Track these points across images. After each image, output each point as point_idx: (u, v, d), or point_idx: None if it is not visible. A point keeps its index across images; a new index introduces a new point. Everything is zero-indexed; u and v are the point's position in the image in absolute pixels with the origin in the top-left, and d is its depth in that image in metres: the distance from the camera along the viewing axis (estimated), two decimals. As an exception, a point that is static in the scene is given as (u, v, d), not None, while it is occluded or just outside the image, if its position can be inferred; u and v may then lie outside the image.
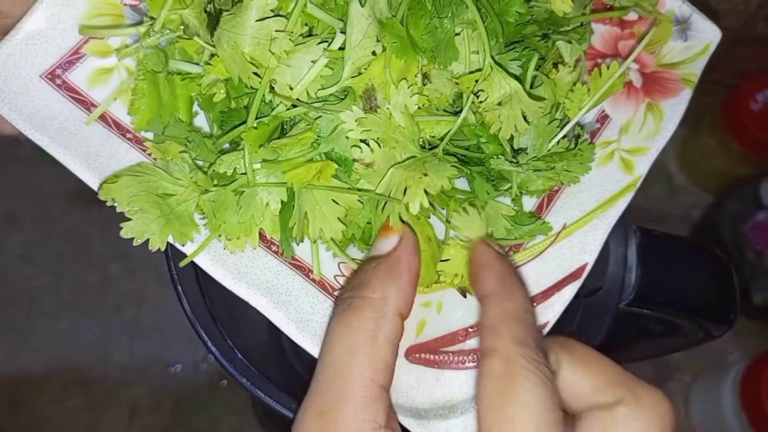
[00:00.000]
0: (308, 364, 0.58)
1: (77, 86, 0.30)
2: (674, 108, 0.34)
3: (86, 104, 0.30)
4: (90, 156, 0.29)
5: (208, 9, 0.28)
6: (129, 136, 0.30)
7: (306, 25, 0.28)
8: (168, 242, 0.28)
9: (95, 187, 0.28)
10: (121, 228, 0.27)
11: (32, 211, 0.69)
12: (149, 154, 0.30)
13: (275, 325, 0.29)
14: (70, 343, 0.65)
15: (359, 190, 0.28)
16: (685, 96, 0.34)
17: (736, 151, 0.73)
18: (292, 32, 0.27)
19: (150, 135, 0.30)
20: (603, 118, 0.34)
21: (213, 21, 0.28)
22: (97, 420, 0.63)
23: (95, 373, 0.64)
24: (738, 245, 0.70)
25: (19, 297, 0.66)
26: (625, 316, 0.34)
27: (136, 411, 0.63)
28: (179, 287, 0.30)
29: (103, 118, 0.30)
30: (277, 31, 0.27)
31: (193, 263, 0.28)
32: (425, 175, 0.27)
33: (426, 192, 0.27)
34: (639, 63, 0.34)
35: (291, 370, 0.53)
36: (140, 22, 0.30)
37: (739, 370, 0.66)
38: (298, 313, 0.29)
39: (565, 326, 0.34)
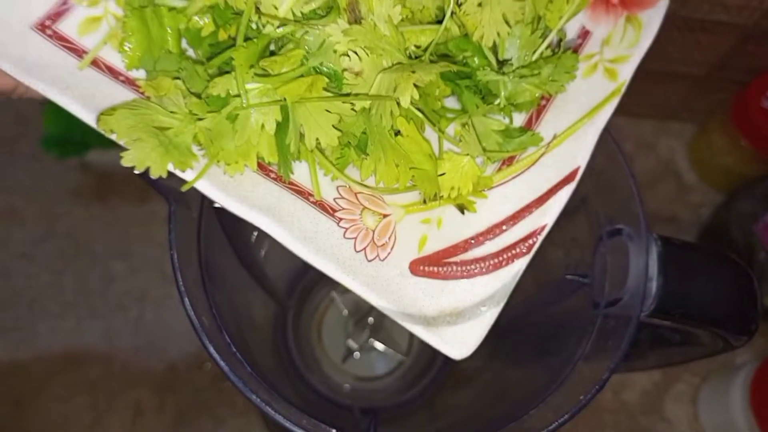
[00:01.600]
0: (317, 372, 0.57)
1: (68, 35, 0.31)
2: (652, 17, 0.35)
3: (78, 52, 0.31)
4: (86, 98, 0.29)
5: None
6: (122, 78, 0.31)
7: None
8: (174, 260, 0.27)
9: (93, 124, 0.29)
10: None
11: (34, 208, 0.68)
12: (143, 93, 0.30)
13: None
14: (73, 343, 0.64)
15: (350, 95, 0.29)
16: (662, 5, 0.35)
17: (747, 150, 0.72)
18: None
19: (142, 75, 0.31)
20: (584, 34, 0.36)
21: None
22: (101, 419, 0.62)
23: (99, 372, 0.64)
24: (748, 245, 0.69)
25: (22, 295, 0.66)
26: (642, 325, 0.33)
27: (140, 411, 0.63)
28: (186, 300, 0.29)
29: (95, 63, 0.30)
30: None
31: (203, 283, 0.28)
32: (413, 72, 0.28)
33: (416, 86, 0.28)
34: None
35: (300, 381, 0.53)
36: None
37: (749, 372, 0.65)
38: (301, 232, 0.30)
39: (583, 339, 0.33)
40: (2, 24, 0.29)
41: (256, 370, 0.32)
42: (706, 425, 0.69)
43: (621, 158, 0.34)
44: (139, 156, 0.27)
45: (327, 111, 0.29)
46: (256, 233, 0.46)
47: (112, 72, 0.31)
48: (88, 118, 0.29)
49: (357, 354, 0.59)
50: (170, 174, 0.28)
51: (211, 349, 0.28)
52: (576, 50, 0.35)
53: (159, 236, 0.69)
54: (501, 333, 0.32)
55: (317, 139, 0.29)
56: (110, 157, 0.67)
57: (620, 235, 0.34)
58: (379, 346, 0.60)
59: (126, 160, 0.27)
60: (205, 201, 0.30)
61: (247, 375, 0.30)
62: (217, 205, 0.30)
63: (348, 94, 0.29)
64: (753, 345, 0.70)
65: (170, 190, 0.29)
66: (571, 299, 0.37)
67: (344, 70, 0.29)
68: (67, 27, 0.31)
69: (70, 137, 0.64)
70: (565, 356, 0.34)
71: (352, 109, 0.29)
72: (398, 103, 0.29)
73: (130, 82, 0.31)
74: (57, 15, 0.31)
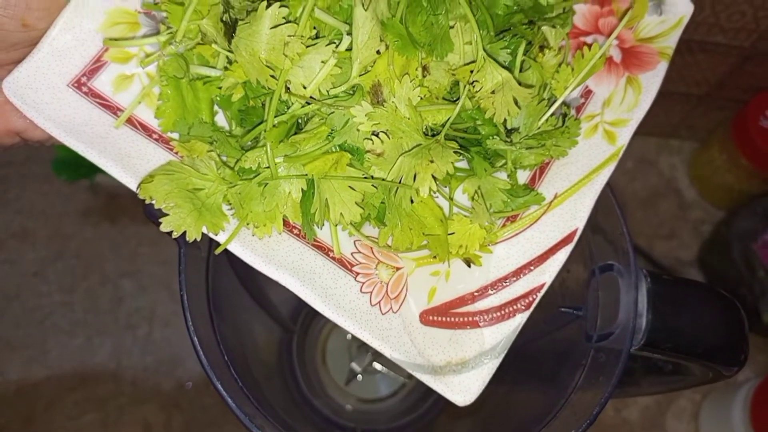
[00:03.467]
0: (321, 395, 0.58)
1: (102, 92, 0.32)
2: (651, 80, 0.36)
3: (113, 109, 0.32)
4: (123, 157, 0.31)
5: (224, 19, 0.31)
6: (155, 136, 0.32)
7: (314, 28, 0.31)
8: (184, 301, 0.28)
9: (132, 186, 0.30)
10: (161, 223, 0.29)
11: (45, 228, 0.70)
12: (176, 153, 0.32)
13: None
14: (83, 360, 0.66)
15: (373, 177, 0.31)
16: (661, 68, 0.37)
17: (747, 168, 0.73)
18: (302, 36, 0.29)
19: (175, 134, 0.32)
20: (587, 93, 0.37)
21: (229, 30, 0.30)
22: (111, 437, 0.64)
23: (109, 389, 0.65)
24: (748, 262, 0.70)
25: (34, 314, 0.67)
26: (634, 356, 0.34)
27: (148, 428, 0.64)
28: (195, 339, 0.30)
29: (130, 121, 0.32)
30: (289, 36, 0.29)
31: (211, 320, 0.29)
32: (431, 162, 0.31)
33: (433, 177, 0.31)
34: (618, 39, 0.37)
35: (305, 403, 0.54)
36: (157, 32, 0.33)
37: (750, 389, 0.66)
38: (322, 289, 0.32)
39: (576, 371, 0.34)
40: (43, 83, 0.30)
41: (262, 402, 0.33)
42: (708, 441, 0.69)
43: (611, 195, 0.35)
44: (176, 221, 0.29)
45: (351, 188, 0.31)
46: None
47: (145, 130, 0.32)
48: (126, 179, 0.30)
49: (360, 377, 0.60)
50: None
51: (219, 387, 0.29)
52: (579, 109, 0.36)
53: (167, 255, 0.70)
54: (501, 362, 0.33)
55: (341, 214, 0.31)
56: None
57: (611, 270, 0.35)
58: (382, 368, 0.61)
59: (165, 226, 0.29)
60: (213, 242, 0.32)
61: (252, 410, 0.31)
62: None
63: (371, 177, 0.31)
64: (754, 362, 0.70)
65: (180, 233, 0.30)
66: (565, 330, 0.38)
67: (367, 151, 0.31)
68: (102, 84, 0.32)
69: (79, 160, 0.65)
70: (560, 387, 0.35)
71: (374, 186, 0.31)
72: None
73: (163, 141, 0.32)
74: (92, 72, 0.32)
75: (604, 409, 0.32)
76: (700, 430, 0.70)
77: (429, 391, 0.59)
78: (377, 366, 0.61)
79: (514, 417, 0.39)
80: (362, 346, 0.61)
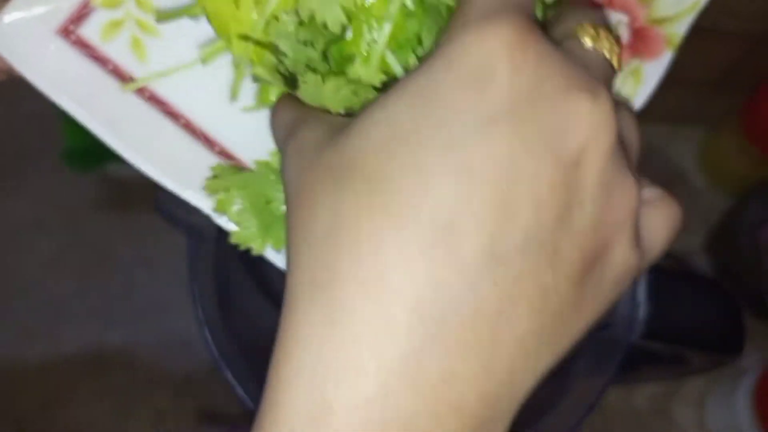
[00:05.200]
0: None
1: (90, 41, 0.29)
2: (653, 71, 0.33)
3: (102, 61, 0.29)
4: (114, 120, 0.28)
5: None
6: (147, 94, 0.29)
7: None
8: (195, 292, 0.29)
9: (121, 152, 0.28)
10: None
11: (58, 218, 0.71)
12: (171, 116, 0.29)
13: None
14: (97, 348, 0.67)
15: None
16: (665, 58, 0.33)
17: (756, 156, 0.72)
18: None
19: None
20: None
21: None
22: (124, 424, 0.65)
23: (122, 377, 0.66)
24: (755, 251, 0.70)
25: (48, 303, 0.68)
26: (634, 345, 0.34)
27: (160, 416, 0.65)
28: (205, 328, 0.31)
29: (121, 75, 0.29)
30: None
31: (221, 309, 0.29)
32: None
33: None
34: (631, 14, 0.33)
35: None
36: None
37: (755, 376, 0.66)
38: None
39: (578, 360, 0.35)
40: (26, 29, 0.27)
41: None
42: (713, 428, 0.70)
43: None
44: (245, 237, 0.28)
45: None
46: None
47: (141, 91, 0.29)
48: (118, 146, 0.28)
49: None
50: (188, 209, 0.29)
51: (229, 376, 0.30)
52: None
53: (179, 243, 0.70)
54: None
55: None
56: (131, 169, 0.69)
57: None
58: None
59: (234, 239, 0.28)
60: (221, 232, 0.32)
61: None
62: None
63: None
64: (759, 348, 0.70)
65: (189, 225, 0.31)
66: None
67: None
68: (90, 32, 0.28)
69: (89, 150, 0.66)
70: (561, 375, 0.35)
71: None
72: None
73: (156, 102, 0.29)
74: (79, 19, 0.28)
75: (609, 396, 0.32)
76: (706, 417, 0.70)
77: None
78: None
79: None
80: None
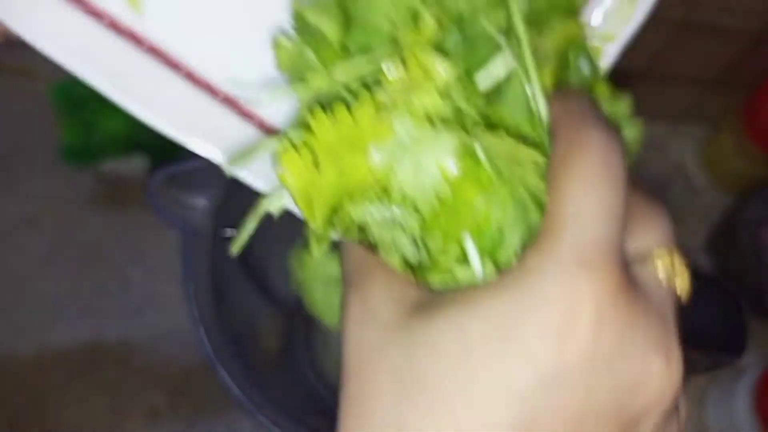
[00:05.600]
0: (333, 392, 0.58)
1: None
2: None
3: (98, 15, 0.28)
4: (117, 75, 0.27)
5: None
6: (147, 46, 0.28)
7: None
8: (187, 281, 0.28)
9: (124, 104, 0.27)
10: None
11: (53, 216, 0.70)
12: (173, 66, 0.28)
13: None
14: (92, 345, 0.66)
15: None
16: None
17: (757, 154, 0.72)
18: None
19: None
20: None
21: None
22: (119, 420, 0.65)
23: (116, 374, 0.66)
24: (755, 249, 0.70)
25: (43, 300, 0.68)
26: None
27: (156, 413, 0.65)
28: (200, 326, 0.30)
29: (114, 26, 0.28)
30: None
31: (214, 303, 0.29)
32: None
33: None
34: None
35: (318, 399, 0.54)
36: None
37: (755, 374, 0.66)
38: None
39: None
40: None
41: (266, 388, 0.33)
42: (712, 427, 0.69)
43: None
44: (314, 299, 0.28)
45: None
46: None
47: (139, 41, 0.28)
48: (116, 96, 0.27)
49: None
50: (182, 205, 0.29)
51: (224, 374, 0.30)
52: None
53: (174, 241, 0.70)
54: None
55: None
56: (126, 166, 0.69)
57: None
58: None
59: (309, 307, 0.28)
60: (216, 230, 0.32)
61: (257, 396, 0.31)
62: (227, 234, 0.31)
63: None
64: (759, 347, 0.70)
65: (184, 221, 0.30)
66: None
67: None
68: None
69: (87, 147, 0.65)
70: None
71: None
72: None
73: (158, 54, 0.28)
74: None
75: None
76: (705, 415, 0.70)
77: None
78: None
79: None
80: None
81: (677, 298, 0.22)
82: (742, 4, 0.63)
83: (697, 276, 0.35)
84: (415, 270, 0.23)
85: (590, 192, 0.19)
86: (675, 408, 0.21)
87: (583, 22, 0.30)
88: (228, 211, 0.30)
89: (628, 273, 0.20)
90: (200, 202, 0.32)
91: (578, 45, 0.27)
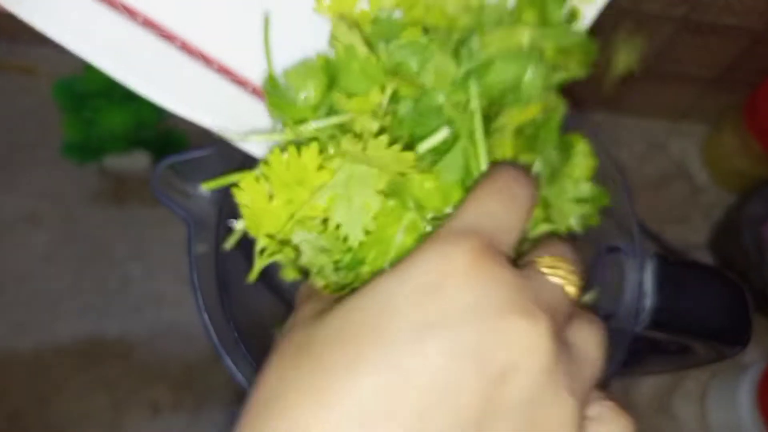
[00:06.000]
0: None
1: None
2: None
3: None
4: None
5: None
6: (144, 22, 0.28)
7: None
8: (193, 272, 0.28)
9: (120, 77, 0.28)
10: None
11: (54, 212, 0.70)
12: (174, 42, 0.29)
13: None
14: (93, 342, 0.66)
15: None
16: None
17: (758, 152, 0.72)
18: None
19: None
20: None
21: None
22: (121, 417, 0.65)
23: (118, 371, 0.66)
24: (758, 246, 0.70)
25: (43, 297, 0.68)
26: (639, 335, 0.34)
27: (158, 409, 0.65)
28: (205, 315, 0.30)
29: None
30: None
31: (219, 296, 0.29)
32: None
33: None
34: None
35: None
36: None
37: (757, 371, 0.66)
38: None
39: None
40: None
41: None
42: (714, 423, 0.69)
43: (621, 180, 0.35)
44: None
45: None
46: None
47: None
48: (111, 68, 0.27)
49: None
50: (186, 195, 0.29)
51: (230, 363, 0.30)
52: None
53: (175, 237, 0.70)
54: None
55: None
56: (128, 162, 0.69)
57: (618, 251, 0.35)
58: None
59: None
60: (221, 220, 0.32)
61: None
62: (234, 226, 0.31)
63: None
64: (761, 344, 0.70)
65: (189, 212, 0.30)
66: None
67: None
68: None
69: (88, 144, 0.65)
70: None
71: None
72: None
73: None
74: None
75: (610, 390, 0.32)
76: (707, 412, 0.70)
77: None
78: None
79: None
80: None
81: (563, 291, 0.23)
82: (743, 3, 0.63)
83: (701, 266, 0.36)
84: (345, 291, 0.28)
85: (479, 199, 0.23)
86: (560, 370, 0.21)
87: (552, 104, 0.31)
88: (233, 201, 0.30)
89: (511, 262, 0.22)
90: (205, 191, 0.32)
91: (546, 126, 0.30)
